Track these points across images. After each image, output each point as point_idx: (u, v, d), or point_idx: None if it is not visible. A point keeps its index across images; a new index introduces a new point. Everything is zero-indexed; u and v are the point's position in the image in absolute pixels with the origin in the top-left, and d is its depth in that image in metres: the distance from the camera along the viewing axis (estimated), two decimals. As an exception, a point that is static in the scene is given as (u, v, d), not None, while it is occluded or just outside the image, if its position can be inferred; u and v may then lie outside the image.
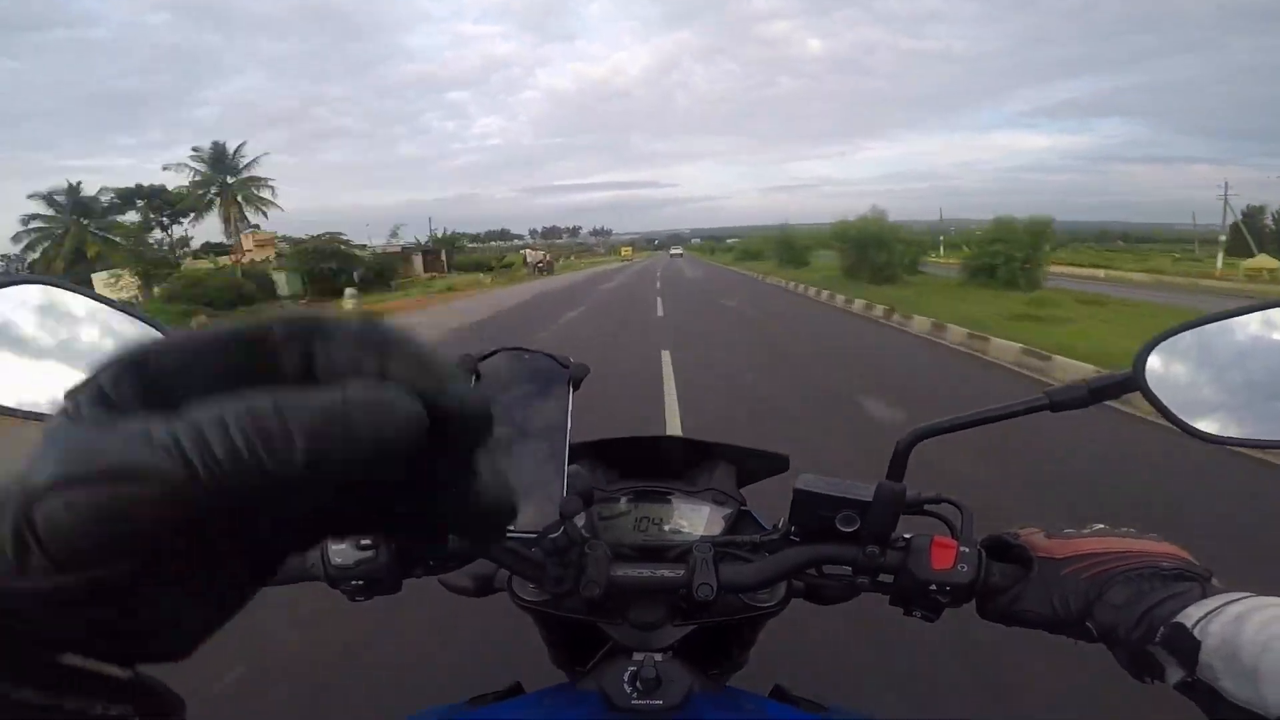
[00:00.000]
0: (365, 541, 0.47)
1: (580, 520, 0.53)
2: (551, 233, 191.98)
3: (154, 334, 0.42)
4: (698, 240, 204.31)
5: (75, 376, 0.26)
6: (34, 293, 0.42)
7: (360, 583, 0.49)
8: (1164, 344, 0.43)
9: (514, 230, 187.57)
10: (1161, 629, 0.38)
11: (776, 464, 0.65)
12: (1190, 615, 0.37)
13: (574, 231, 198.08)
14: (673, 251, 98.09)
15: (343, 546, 0.48)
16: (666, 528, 0.57)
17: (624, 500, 0.59)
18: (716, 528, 0.56)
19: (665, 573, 0.49)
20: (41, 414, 0.42)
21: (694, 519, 0.58)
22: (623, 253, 58.32)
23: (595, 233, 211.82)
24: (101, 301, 0.43)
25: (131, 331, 0.43)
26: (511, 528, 0.40)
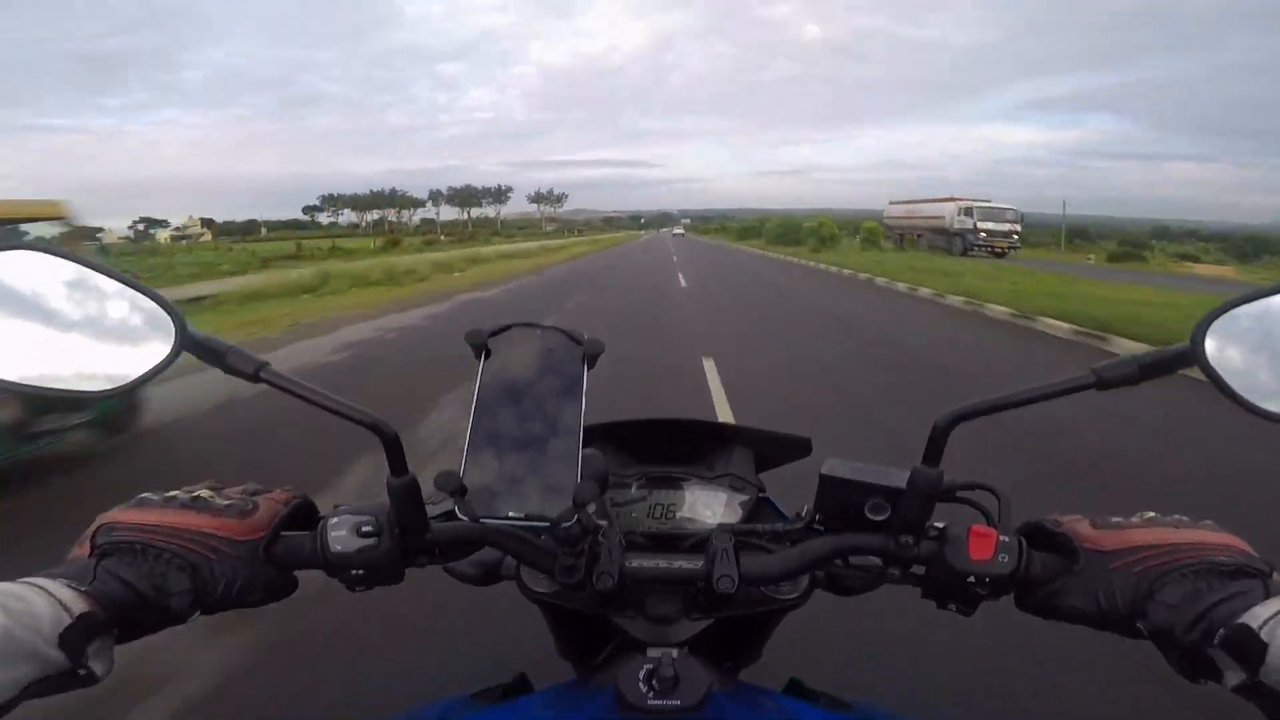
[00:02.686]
0: (367, 528, 0.48)
1: (593, 507, 0.55)
2: (465, 197, 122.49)
3: (156, 308, 0.45)
4: (688, 220, 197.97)
5: (74, 347, 0.36)
6: (34, 259, 0.44)
7: (360, 572, 0.49)
8: (1224, 316, 0.43)
9: (415, 194, 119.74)
10: (1222, 630, 0.37)
11: (798, 449, 0.69)
12: (1256, 615, 0.36)
13: (500, 194, 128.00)
14: (675, 232, 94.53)
15: (343, 533, 0.48)
16: (682, 515, 0.61)
17: (637, 486, 0.62)
18: (734, 515, 0.60)
19: (683, 564, 0.50)
20: (39, 386, 0.44)
21: (711, 506, 0.61)
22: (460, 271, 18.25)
23: (539, 199, 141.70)
24: (102, 272, 0.45)
25: (138, 303, 0.45)
26: (522, 516, 0.42)
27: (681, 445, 0.67)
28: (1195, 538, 0.43)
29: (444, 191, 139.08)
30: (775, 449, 0.69)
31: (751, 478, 0.64)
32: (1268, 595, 0.38)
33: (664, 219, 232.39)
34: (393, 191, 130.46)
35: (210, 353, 0.45)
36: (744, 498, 0.62)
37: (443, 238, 72.91)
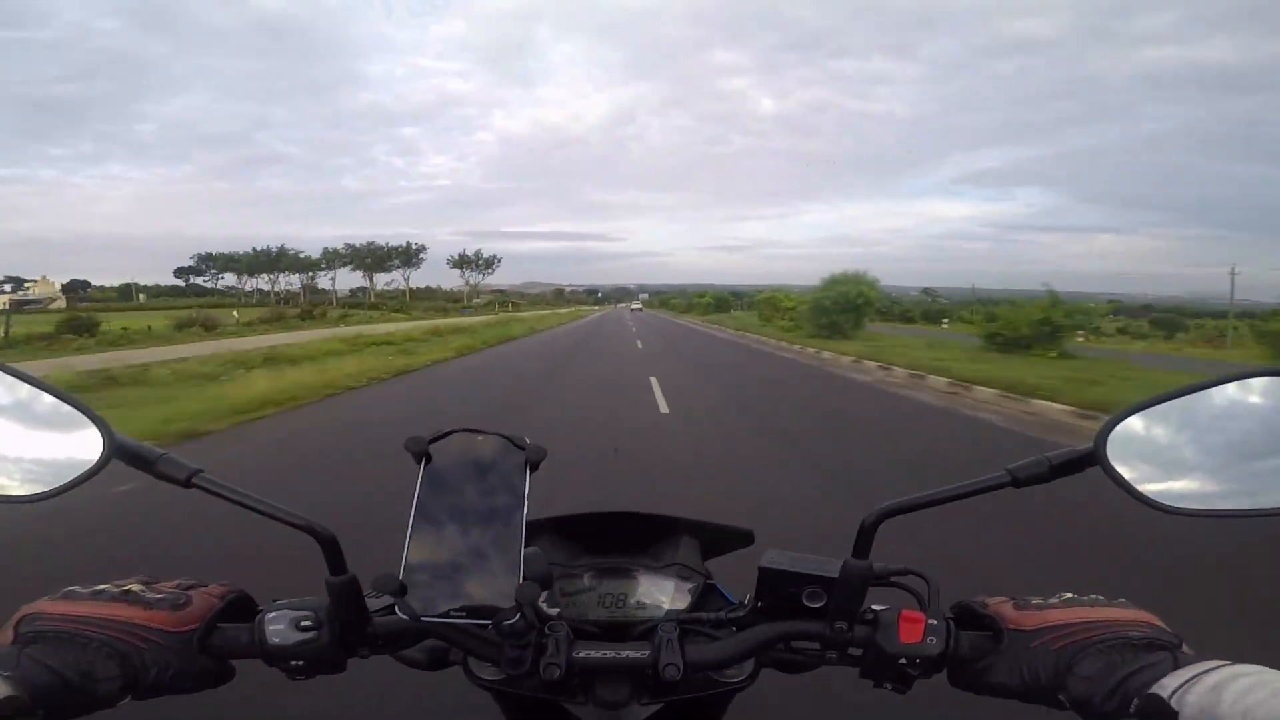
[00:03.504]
0: (306, 622, 0.50)
1: (543, 596, 0.59)
2: (369, 258, 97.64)
3: (83, 417, 0.48)
4: (645, 295, 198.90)
5: None
6: None
7: (300, 662, 0.50)
8: (1124, 422, 0.49)
9: (309, 252, 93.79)
10: (1136, 700, 0.42)
11: (741, 539, 0.74)
12: (1165, 686, 0.41)
13: (410, 256, 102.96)
14: (633, 307, 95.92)
15: (281, 627, 0.50)
16: (632, 603, 0.65)
17: (587, 577, 0.66)
18: (682, 602, 0.64)
19: (630, 653, 0.53)
20: None
21: (659, 594, 0.65)
22: None
23: (462, 263, 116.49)
24: (26, 380, 0.48)
25: (66, 412, 0.48)
26: (463, 615, 0.44)
27: (630, 536, 0.71)
28: (1109, 615, 0.48)
29: (341, 250, 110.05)
30: (719, 539, 0.73)
31: (698, 566, 0.68)
32: (1176, 666, 0.42)
33: (622, 294, 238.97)
34: (281, 250, 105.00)
35: (140, 460, 0.48)
36: (691, 585, 0.65)
37: (235, 315, 42.69)
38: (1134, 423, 0.49)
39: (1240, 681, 0.38)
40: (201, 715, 1.51)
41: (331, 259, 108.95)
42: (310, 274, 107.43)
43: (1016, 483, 0.49)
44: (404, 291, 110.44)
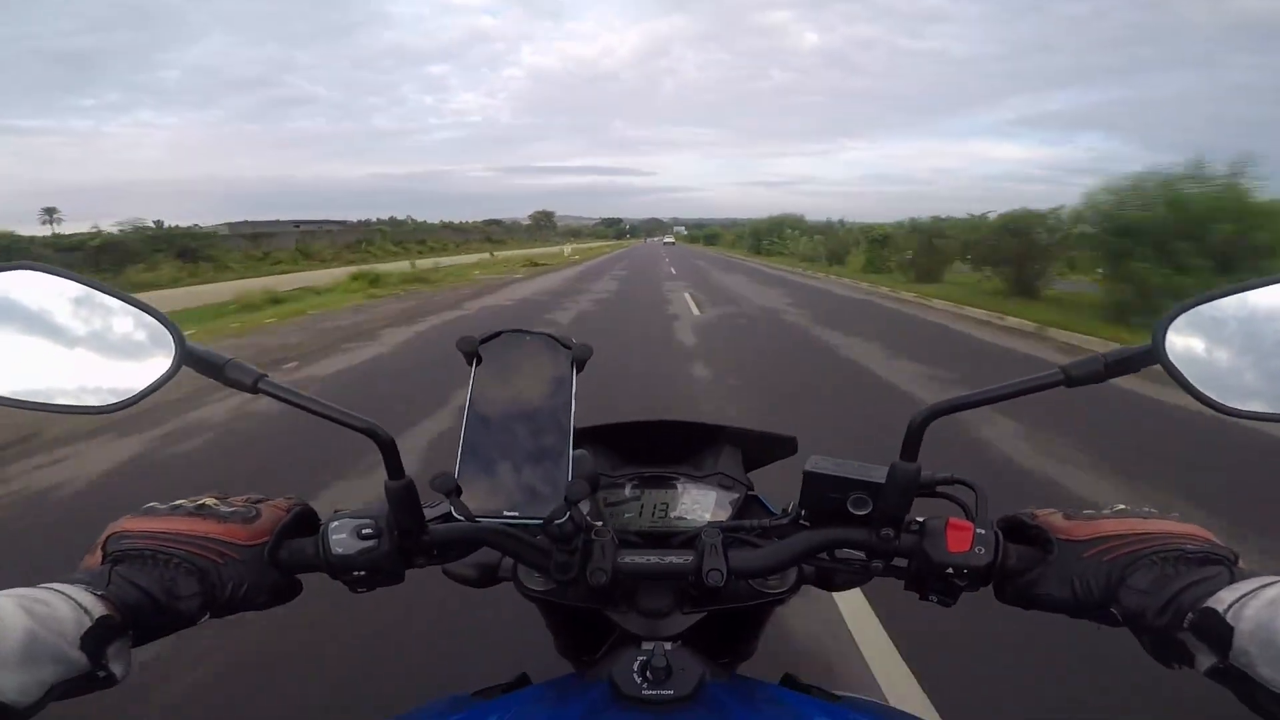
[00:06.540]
0: (367, 530, 0.53)
1: (586, 507, 0.62)
2: None
3: (156, 324, 0.50)
4: (681, 229, 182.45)
5: (76, 364, 0.39)
6: (34, 278, 0.47)
7: (362, 573, 0.53)
8: (1185, 315, 0.47)
9: None
10: (1190, 614, 0.42)
11: (785, 447, 0.76)
12: (1222, 599, 0.40)
13: None
14: (665, 240, 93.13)
15: (344, 536, 0.53)
16: (674, 514, 0.68)
17: (630, 486, 0.69)
18: (724, 513, 0.68)
19: (674, 559, 0.55)
20: (41, 403, 0.47)
21: (701, 504, 0.68)
22: None
23: None
24: (104, 290, 0.49)
25: (140, 320, 0.50)
26: (515, 513, 0.46)
27: (671, 445, 0.73)
28: (1163, 528, 0.48)
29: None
30: (762, 447, 0.74)
31: (740, 476, 0.70)
32: (1233, 580, 0.42)
33: (654, 226, 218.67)
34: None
35: (209, 366, 0.50)
36: (734, 496, 0.67)
37: None
38: (1191, 319, 0.46)
39: None
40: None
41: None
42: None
43: (1070, 381, 0.47)
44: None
